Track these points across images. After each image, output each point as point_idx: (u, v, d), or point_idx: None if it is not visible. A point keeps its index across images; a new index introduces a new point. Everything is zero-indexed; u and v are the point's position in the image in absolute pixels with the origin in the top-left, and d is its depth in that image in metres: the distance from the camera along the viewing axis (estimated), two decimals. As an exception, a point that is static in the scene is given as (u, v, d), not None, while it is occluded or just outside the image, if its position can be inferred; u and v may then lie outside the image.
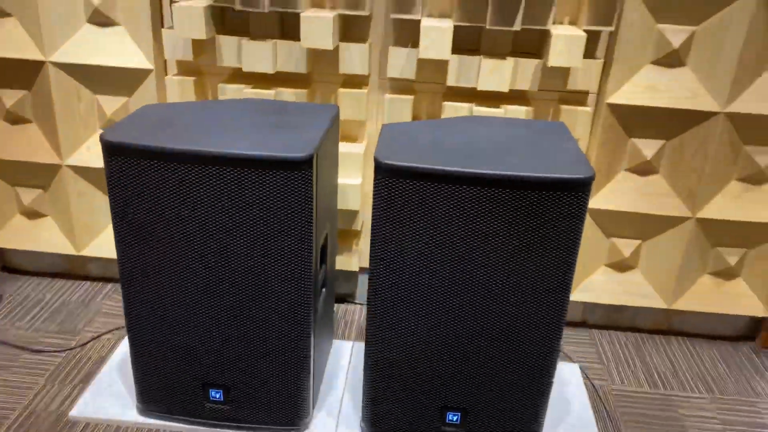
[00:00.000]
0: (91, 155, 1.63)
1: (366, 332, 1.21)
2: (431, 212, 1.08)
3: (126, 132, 1.11)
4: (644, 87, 1.46)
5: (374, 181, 1.09)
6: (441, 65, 1.46)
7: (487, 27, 1.33)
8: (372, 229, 1.11)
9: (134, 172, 1.10)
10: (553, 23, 1.40)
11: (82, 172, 1.65)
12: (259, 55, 1.41)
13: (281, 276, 1.16)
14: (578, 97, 1.51)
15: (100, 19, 1.51)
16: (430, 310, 1.16)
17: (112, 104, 1.59)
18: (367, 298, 1.18)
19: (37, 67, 1.54)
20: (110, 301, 1.75)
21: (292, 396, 1.28)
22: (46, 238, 1.75)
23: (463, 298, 1.14)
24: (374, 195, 1.10)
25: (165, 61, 1.55)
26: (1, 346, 1.55)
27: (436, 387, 1.24)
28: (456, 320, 1.16)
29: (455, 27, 1.40)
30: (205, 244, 1.14)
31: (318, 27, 1.35)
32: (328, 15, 1.35)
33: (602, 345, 1.71)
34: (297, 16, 1.45)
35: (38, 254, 1.84)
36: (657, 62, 1.45)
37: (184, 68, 1.55)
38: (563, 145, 1.18)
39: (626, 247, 1.65)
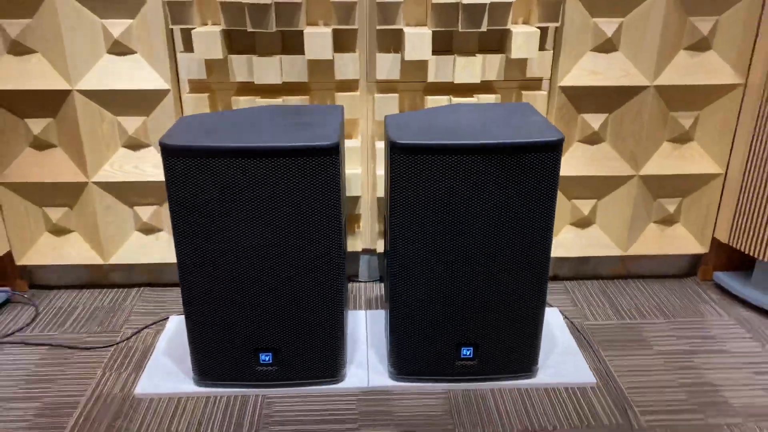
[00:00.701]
0: (115, 171, 1.82)
1: (389, 282, 1.45)
2: (437, 178, 1.35)
3: (179, 137, 1.33)
4: (587, 71, 1.78)
5: (390, 157, 1.35)
6: (421, 65, 1.74)
7: (460, 30, 1.61)
8: (390, 195, 1.37)
9: (190, 169, 1.32)
10: (510, 23, 1.69)
11: (107, 187, 1.83)
12: (268, 68, 1.65)
13: (317, 247, 1.40)
14: (535, 84, 1.81)
15: (119, 49, 1.71)
16: (441, 259, 1.42)
17: (132, 124, 1.79)
18: (389, 253, 1.43)
19: (62, 95, 1.73)
20: (140, 302, 1.94)
21: (331, 351, 1.51)
22: (74, 251, 1.92)
23: (468, 247, 1.41)
24: (391, 168, 1.35)
25: (178, 81, 1.76)
26: (54, 348, 1.71)
27: (451, 326, 1.49)
28: (464, 265, 1.43)
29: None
30: (252, 226, 1.37)
31: (319, 41, 1.60)
32: (326, 30, 1.60)
33: (574, 292, 2.00)
34: (297, 33, 1.69)
35: (63, 269, 2.00)
36: (595, 49, 1.77)
37: (194, 86, 1.77)
38: (533, 119, 1.47)
39: (585, 206, 1.96)
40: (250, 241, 1.38)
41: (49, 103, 1.75)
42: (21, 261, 1.91)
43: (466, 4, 1.58)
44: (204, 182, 1.33)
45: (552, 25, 1.70)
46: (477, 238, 1.40)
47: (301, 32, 1.66)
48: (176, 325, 1.80)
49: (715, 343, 1.75)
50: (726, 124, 1.84)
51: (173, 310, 1.89)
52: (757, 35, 1.74)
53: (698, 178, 1.92)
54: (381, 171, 1.81)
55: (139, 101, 1.76)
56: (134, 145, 1.82)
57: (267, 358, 1.51)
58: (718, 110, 1.84)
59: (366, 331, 1.76)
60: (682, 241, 2.01)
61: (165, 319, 1.84)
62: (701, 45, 1.78)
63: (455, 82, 1.69)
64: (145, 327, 1.81)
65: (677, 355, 1.69)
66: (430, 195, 1.36)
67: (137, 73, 1.73)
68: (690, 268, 2.10)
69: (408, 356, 1.54)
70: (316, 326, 1.48)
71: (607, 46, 1.76)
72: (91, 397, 1.54)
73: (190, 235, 1.38)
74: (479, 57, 1.68)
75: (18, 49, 1.70)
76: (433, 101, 1.73)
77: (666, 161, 1.90)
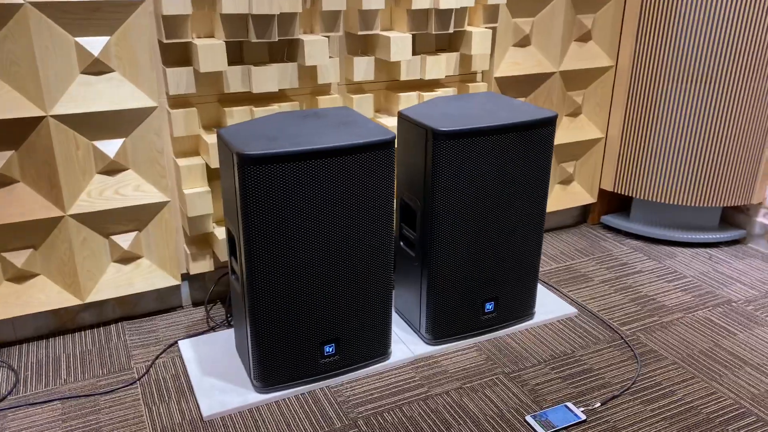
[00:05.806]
0: (93, 200, 1.69)
1: (424, 255, 1.64)
2: (470, 156, 1.57)
3: (253, 147, 1.35)
4: (512, 63, 2.13)
5: (434, 144, 1.53)
6: (391, 66, 1.92)
7: (433, 32, 1.84)
8: (433, 176, 1.56)
9: (266, 174, 1.35)
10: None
11: (84, 218, 1.69)
12: (266, 77, 1.69)
13: (373, 235, 1.52)
14: (471, 77, 2.11)
15: (96, 68, 1.60)
16: (473, 224, 1.65)
17: (111, 147, 1.68)
18: (427, 231, 1.61)
19: (33, 123, 1.56)
20: (131, 336, 1.81)
21: (383, 329, 1.64)
22: (42, 296, 1.72)
23: (489, 215, 1.66)
24: (434, 151, 1.54)
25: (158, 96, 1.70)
26: (69, 400, 1.55)
27: (478, 286, 1.73)
28: (488, 228, 1.68)
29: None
30: (319, 221, 1.45)
31: (318, 47, 1.69)
32: (322, 38, 1.71)
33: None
34: (281, 42, 1.76)
35: (20, 322, 1.77)
36: (516, 45, 2.14)
37: (176, 102, 1.72)
38: (517, 103, 1.76)
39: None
40: (317, 236, 1.46)
41: (12, 133, 1.57)
42: (-22, 319, 1.66)
43: (438, 10, 1.82)
44: (275, 183, 1.37)
45: (493, 26, 2.02)
46: (498, 205, 1.66)
47: (291, 41, 1.74)
48: (191, 347, 1.74)
49: (629, 267, 2.25)
50: (604, 97, 2.36)
51: (173, 336, 1.81)
52: (621, 27, 2.27)
53: (587, 143, 2.41)
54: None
55: (119, 122, 1.66)
56: (112, 170, 1.71)
57: (331, 349, 1.59)
58: (597, 88, 2.35)
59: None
60: (578, 195, 2.50)
61: (173, 345, 1.76)
62: (585, 37, 2.25)
63: (426, 78, 1.92)
64: (157, 357, 1.72)
65: (612, 281, 2.15)
66: (463, 169, 1.58)
67: (118, 92, 1.63)
68: (581, 216, 2.61)
69: (442, 321, 1.74)
70: (371, 308, 1.60)
71: (524, 41, 2.14)
72: (154, 432, 1.46)
73: (261, 240, 1.40)
74: (443, 56, 1.93)
75: (-28, 75, 1.49)
76: (406, 97, 1.93)
77: (565, 132, 2.36)
